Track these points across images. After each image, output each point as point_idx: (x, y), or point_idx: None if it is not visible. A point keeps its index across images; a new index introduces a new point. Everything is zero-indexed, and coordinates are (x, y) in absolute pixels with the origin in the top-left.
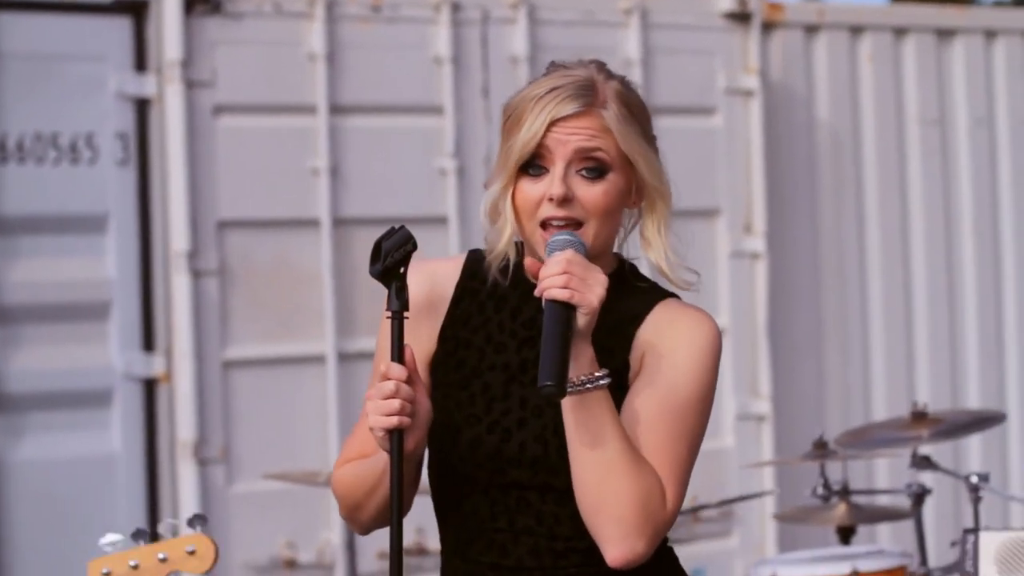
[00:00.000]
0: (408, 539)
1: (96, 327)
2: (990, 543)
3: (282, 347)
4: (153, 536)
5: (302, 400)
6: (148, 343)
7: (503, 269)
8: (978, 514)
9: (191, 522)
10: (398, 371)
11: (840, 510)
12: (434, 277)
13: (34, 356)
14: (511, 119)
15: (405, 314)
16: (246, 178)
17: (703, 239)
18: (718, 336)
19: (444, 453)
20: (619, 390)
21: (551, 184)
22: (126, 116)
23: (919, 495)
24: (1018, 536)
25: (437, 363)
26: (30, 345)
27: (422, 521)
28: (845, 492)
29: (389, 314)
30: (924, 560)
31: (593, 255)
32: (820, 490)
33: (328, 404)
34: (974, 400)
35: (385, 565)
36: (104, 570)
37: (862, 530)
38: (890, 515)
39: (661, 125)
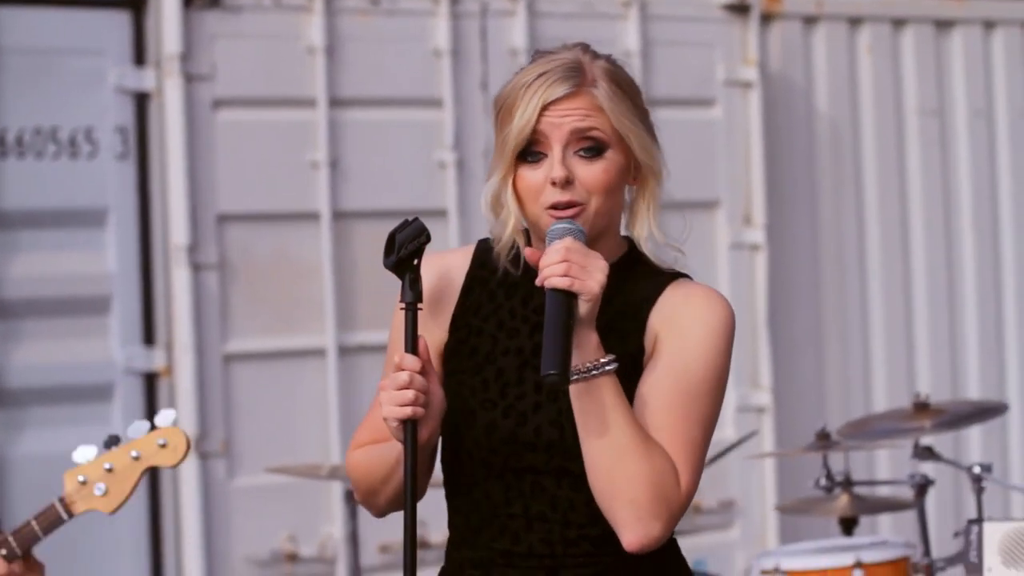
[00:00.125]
0: None
1: (96, 321)
2: (994, 533)
3: (282, 340)
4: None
5: (303, 393)
6: (148, 337)
7: (513, 258)
8: (981, 505)
9: (160, 420)
10: (412, 362)
11: (843, 501)
12: (444, 269)
13: (34, 351)
14: (503, 110)
15: (419, 305)
16: (246, 172)
17: (702, 231)
18: (731, 316)
19: (459, 438)
20: (635, 374)
21: (551, 167)
22: (125, 110)
23: (922, 486)
24: (1022, 526)
25: (450, 353)
26: (30, 340)
27: (424, 514)
28: (848, 483)
29: (403, 305)
30: (927, 551)
31: (597, 235)
32: (823, 481)
33: (329, 397)
34: (974, 391)
35: (386, 558)
36: (80, 478)
37: (863, 521)
38: (893, 506)
39: (660, 117)
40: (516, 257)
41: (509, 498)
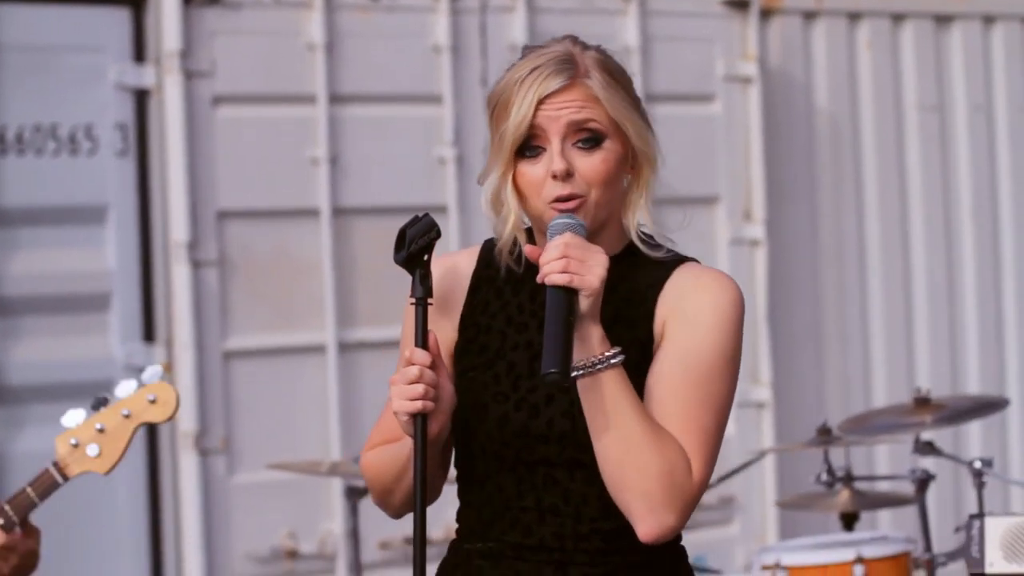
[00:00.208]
0: (410, 529)
1: (96, 318)
2: (996, 528)
3: (282, 337)
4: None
5: (303, 390)
6: (148, 334)
7: (516, 256)
8: (982, 499)
9: (147, 376)
10: (421, 356)
11: (843, 496)
12: (452, 269)
13: (34, 348)
14: (498, 107)
15: (429, 300)
16: (246, 168)
17: (702, 226)
18: (739, 298)
19: (471, 433)
20: (644, 361)
21: (551, 161)
22: (125, 107)
23: (923, 481)
24: (1023, 521)
25: (460, 352)
26: (30, 337)
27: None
28: (849, 478)
29: (413, 300)
30: (928, 546)
31: (599, 226)
32: (824, 476)
33: (329, 394)
34: (974, 386)
35: (386, 555)
36: (72, 441)
37: (862, 516)
38: (894, 501)
39: (660, 112)
40: (519, 255)
41: (521, 491)
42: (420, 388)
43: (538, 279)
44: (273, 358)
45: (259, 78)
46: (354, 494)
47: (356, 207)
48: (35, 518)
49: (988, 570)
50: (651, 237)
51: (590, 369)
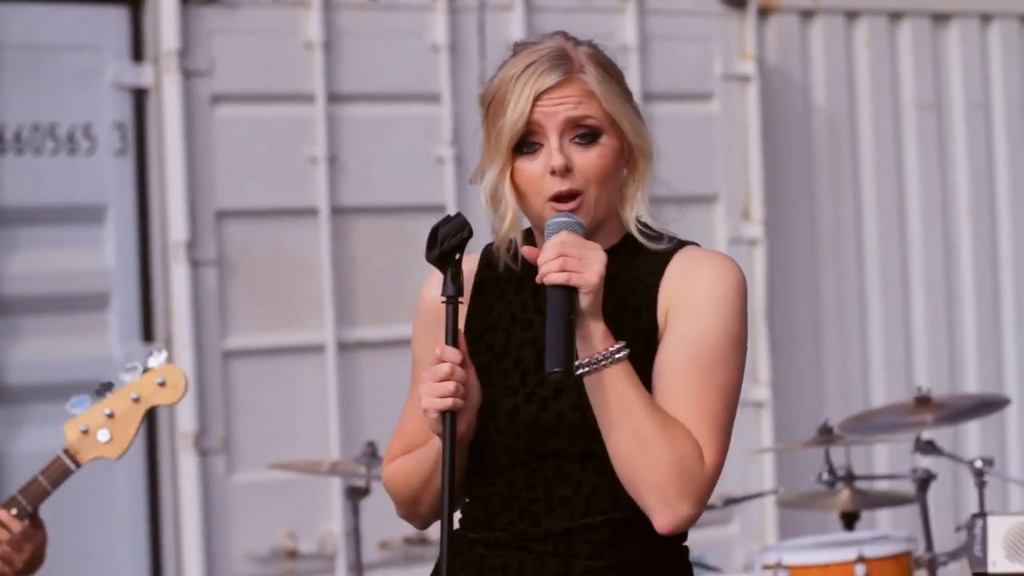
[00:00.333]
0: (409, 529)
1: (95, 318)
2: (999, 527)
3: (281, 337)
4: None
5: (302, 389)
6: (147, 333)
7: (512, 255)
8: (983, 499)
9: (153, 360)
10: (452, 354)
11: (844, 496)
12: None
13: (33, 347)
14: (493, 104)
15: (460, 299)
16: (244, 167)
17: (701, 225)
18: (741, 280)
19: (481, 427)
20: (650, 350)
21: (549, 157)
22: (124, 106)
23: (924, 480)
24: None
25: (468, 352)
26: (29, 336)
27: None
28: (850, 478)
29: (444, 299)
30: (930, 545)
31: (597, 223)
32: (825, 476)
33: (328, 393)
34: (972, 385)
35: (386, 555)
36: (81, 427)
37: (861, 516)
38: (895, 500)
39: (658, 111)
40: (514, 252)
41: (532, 483)
42: (451, 385)
43: (537, 279)
44: (272, 358)
45: (257, 77)
46: (355, 494)
47: (355, 206)
48: None
49: (991, 569)
50: (649, 228)
51: (595, 366)
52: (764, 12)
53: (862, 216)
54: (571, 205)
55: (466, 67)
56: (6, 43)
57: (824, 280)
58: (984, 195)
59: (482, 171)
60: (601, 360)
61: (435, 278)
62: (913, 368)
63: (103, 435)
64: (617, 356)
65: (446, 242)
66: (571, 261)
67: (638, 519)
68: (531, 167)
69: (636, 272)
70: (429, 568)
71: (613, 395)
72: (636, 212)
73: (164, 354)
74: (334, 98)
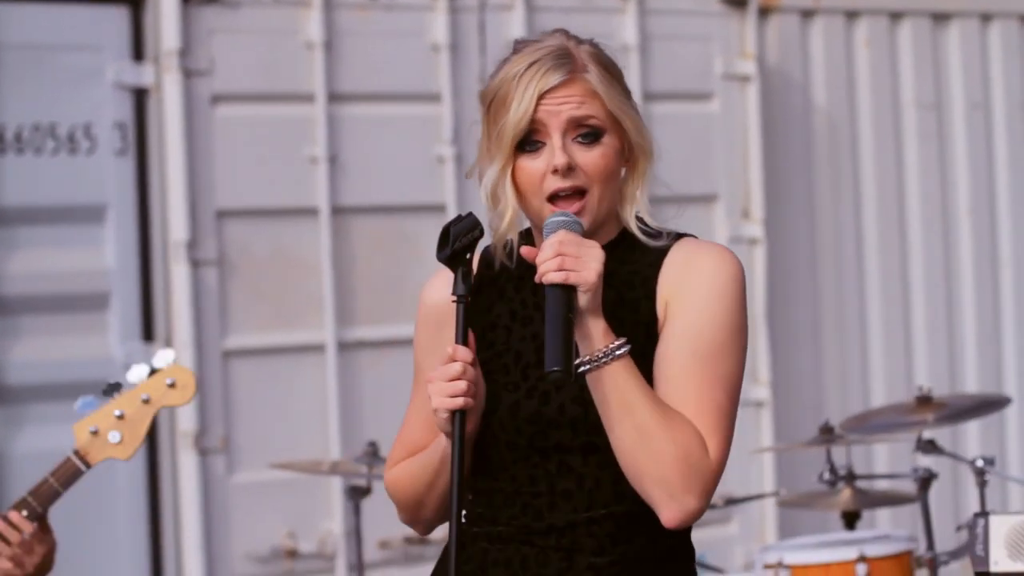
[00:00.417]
0: (408, 529)
1: (95, 318)
2: (1000, 527)
3: (281, 336)
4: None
5: (302, 389)
6: (148, 333)
7: (510, 254)
8: (984, 498)
9: (159, 361)
10: (465, 353)
11: (845, 495)
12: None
13: (33, 347)
14: (495, 102)
15: (468, 298)
16: (244, 167)
17: (701, 225)
18: (739, 270)
19: (483, 423)
20: (650, 343)
21: (552, 155)
22: (124, 106)
23: (925, 479)
24: None
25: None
26: (29, 336)
27: None
28: (851, 477)
29: (455, 298)
30: (931, 545)
31: (599, 222)
32: (827, 475)
33: (328, 393)
34: (972, 384)
35: (386, 554)
36: (91, 428)
37: (862, 515)
38: (896, 500)
39: (658, 111)
40: (510, 250)
41: (534, 478)
42: (463, 384)
43: (536, 279)
44: (272, 357)
45: (258, 77)
46: (356, 493)
47: (355, 206)
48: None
49: (992, 568)
50: (647, 226)
51: (596, 364)
52: (764, 12)
53: (862, 216)
54: (575, 206)
55: (467, 67)
56: (6, 43)
57: (824, 280)
58: (984, 195)
59: (480, 167)
60: (602, 357)
61: (436, 281)
62: (913, 368)
63: (114, 436)
64: (618, 353)
65: (458, 241)
66: (569, 260)
67: (642, 512)
68: (533, 165)
69: (634, 265)
70: (429, 568)
71: (615, 392)
72: (636, 210)
73: (172, 355)
74: (334, 98)
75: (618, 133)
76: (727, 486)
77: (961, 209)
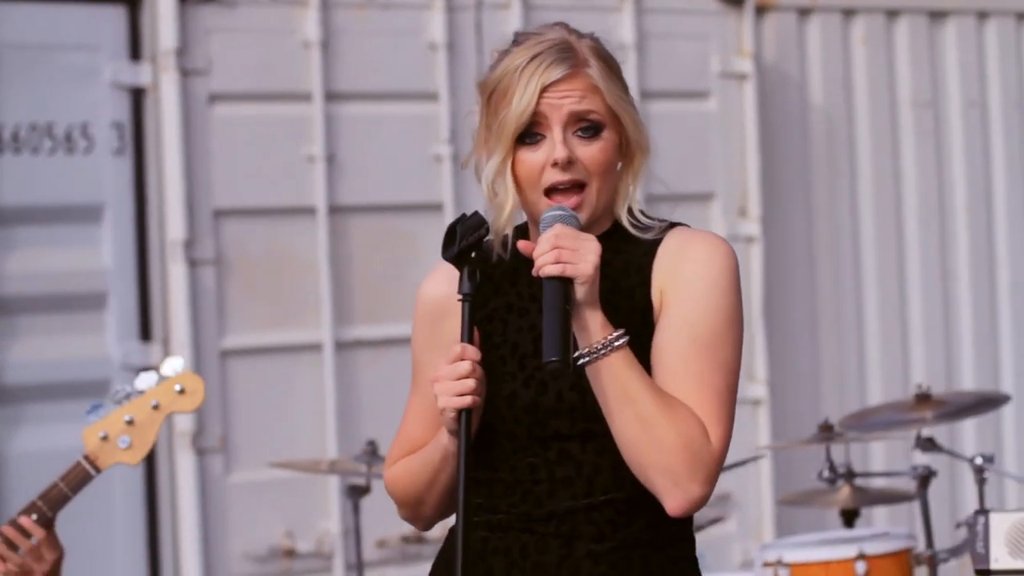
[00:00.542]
0: (407, 527)
1: (93, 317)
2: (1001, 524)
3: (279, 336)
4: (138, 394)
5: (300, 389)
6: (145, 333)
7: (504, 245)
8: (983, 495)
9: (168, 368)
10: (473, 352)
11: (844, 493)
12: (451, 274)
13: (31, 347)
14: (496, 94)
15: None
16: (242, 166)
17: (697, 224)
18: (732, 257)
19: (482, 413)
20: (645, 329)
21: (552, 149)
22: (121, 105)
23: (925, 477)
24: None
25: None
26: (27, 336)
27: None
28: (851, 475)
29: (460, 296)
30: (930, 542)
31: (596, 216)
32: (826, 473)
33: (325, 392)
34: (969, 382)
35: (383, 553)
36: (101, 434)
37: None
38: (895, 498)
39: (655, 110)
40: (505, 244)
41: (534, 466)
42: (471, 383)
43: (533, 272)
44: (270, 356)
45: (255, 76)
46: (356, 492)
47: (352, 205)
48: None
49: (993, 566)
50: (639, 220)
51: (595, 355)
52: (761, 10)
53: (859, 213)
54: (574, 200)
55: (464, 65)
56: (3, 42)
57: (821, 278)
58: (981, 193)
59: (477, 157)
60: (600, 349)
61: (434, 276)
62: (910, 365)
63: (123, 441)
64: (616, 344)
65: (464, 240)
66: (566, 252)
67: (642, 498)
68: (532, 158)
69: (628, 255)
70: (426, 567)
71: (615, 383)
72: (628, 203)
73: (181, 362)
74: (332, 97)
75: (617, 128)
76: (723, 485)
77: (958, 207)
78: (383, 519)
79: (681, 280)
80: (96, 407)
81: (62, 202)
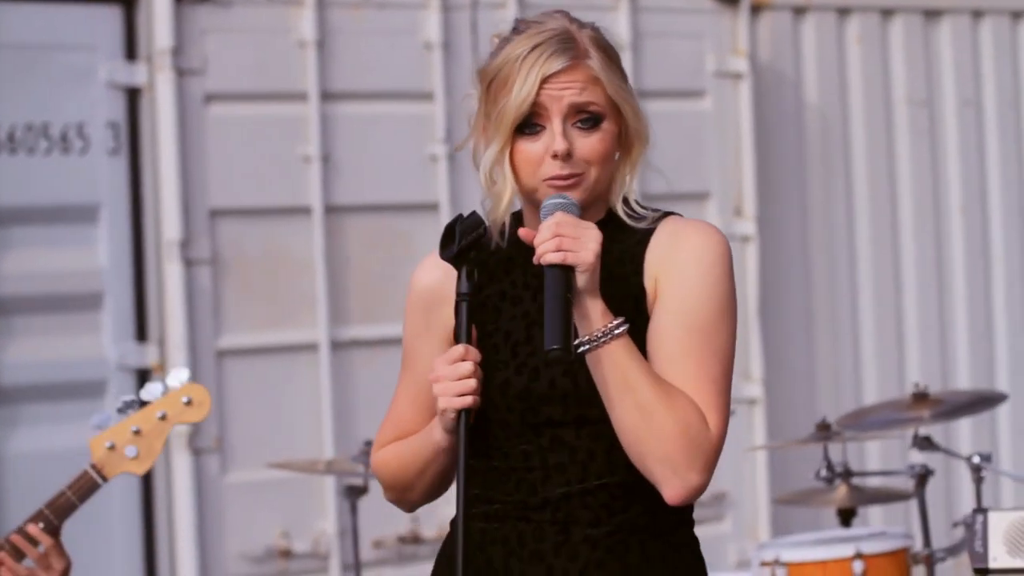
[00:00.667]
0: (403, 527)
1: (89, 318)
2: (999, 523)
3: (275, 336)
4: (142, 404)
5: (295, 389)
6: (141, 333)
7: (501, 233)
8: (980, 494)
9: (173, 379)
10: (476, 353)
11: (841, 492)
12: (445, 267)
13: (27, 347)
14: (496, 82)
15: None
16: (238, 166)
17: None
18: (725, 244)
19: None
20: (640, 316)
21: (552, 140)
22: (117, 105)
23: (922, 476)
24: None
25: (458, 334)
26: (22, 336)
27: (418, 509)
28: (847, 474)
29: (458, 297)
30: (928, 541)
31: (592, 202)
32: (823, 472)
33: (322, 392)
34: (964, 380)
35: (380, 553)
36: (107, 443)
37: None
38: (892, 497)
39: (651, 109)
40: (503, 230)
41: (528, 453)
42: (472, 383)
43: (534, 260)
44: (266, 357)
45: (251, 76)
46: (352, 492)
47: (348, 205)
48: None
49: (991, 565)
50: (633, 210)
51: (595, 343)
52: (756, 9)
53: (854, 212)
54: (570, 181)
55: (459, 65)
56: None
57: (816, 277)
58: (976, 191)
59: (474, 144)
60: (601, 337)
61: (426, 264)
62: (905, 364)
63: (130, 451)
64: (616, 332)
65: (463, 239)
66: (567, 240)
67: (636, 482)
68: (531, 148)
69: (622, 244)
70: (423, 566)
71: (615, 370)
72: (624, 193)
73: (186, 371)
74: (327, 96)
75: (616, 118)
76: (720, 485)
77: (953, 206)
78: (380, 519)
79: (675, 269)
80: (102, 418)
81: (58, 202)
